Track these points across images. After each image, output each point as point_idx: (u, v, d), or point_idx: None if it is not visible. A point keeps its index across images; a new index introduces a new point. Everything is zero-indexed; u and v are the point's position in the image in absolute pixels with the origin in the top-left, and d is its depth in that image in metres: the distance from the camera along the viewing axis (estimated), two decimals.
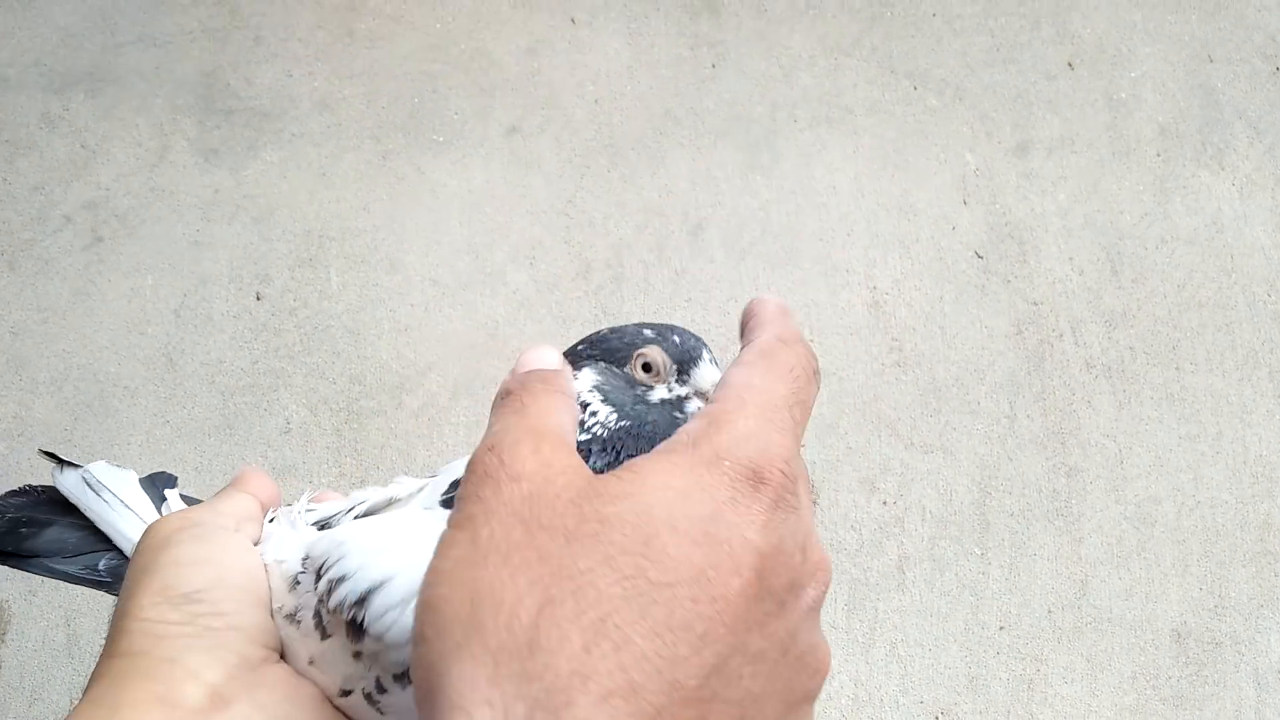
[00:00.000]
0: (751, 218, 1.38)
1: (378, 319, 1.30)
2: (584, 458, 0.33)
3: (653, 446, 0.28)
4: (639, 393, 0.39)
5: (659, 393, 0.39)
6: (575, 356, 0.40)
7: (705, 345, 0.41)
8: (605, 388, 0.39)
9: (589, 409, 0.37)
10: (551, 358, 0.31)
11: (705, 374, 0.39)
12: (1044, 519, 1.26)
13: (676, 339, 0.40)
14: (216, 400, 1.27)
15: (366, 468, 1.22)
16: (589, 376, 0.39)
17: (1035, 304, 1.35)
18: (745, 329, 0.32)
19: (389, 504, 0.39)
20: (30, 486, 0.46)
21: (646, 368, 0.39)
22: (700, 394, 0.39)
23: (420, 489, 0.39)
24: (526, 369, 0.30)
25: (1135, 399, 1.32)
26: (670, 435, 0.28)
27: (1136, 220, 1.41)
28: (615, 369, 0.39)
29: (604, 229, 1.36)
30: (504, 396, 0.29)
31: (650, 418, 0.38)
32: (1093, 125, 1.47)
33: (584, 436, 0.36)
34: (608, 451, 0.36)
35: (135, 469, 0.48)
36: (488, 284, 1.32)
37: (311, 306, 1.31)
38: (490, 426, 0.27)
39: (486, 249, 1.34)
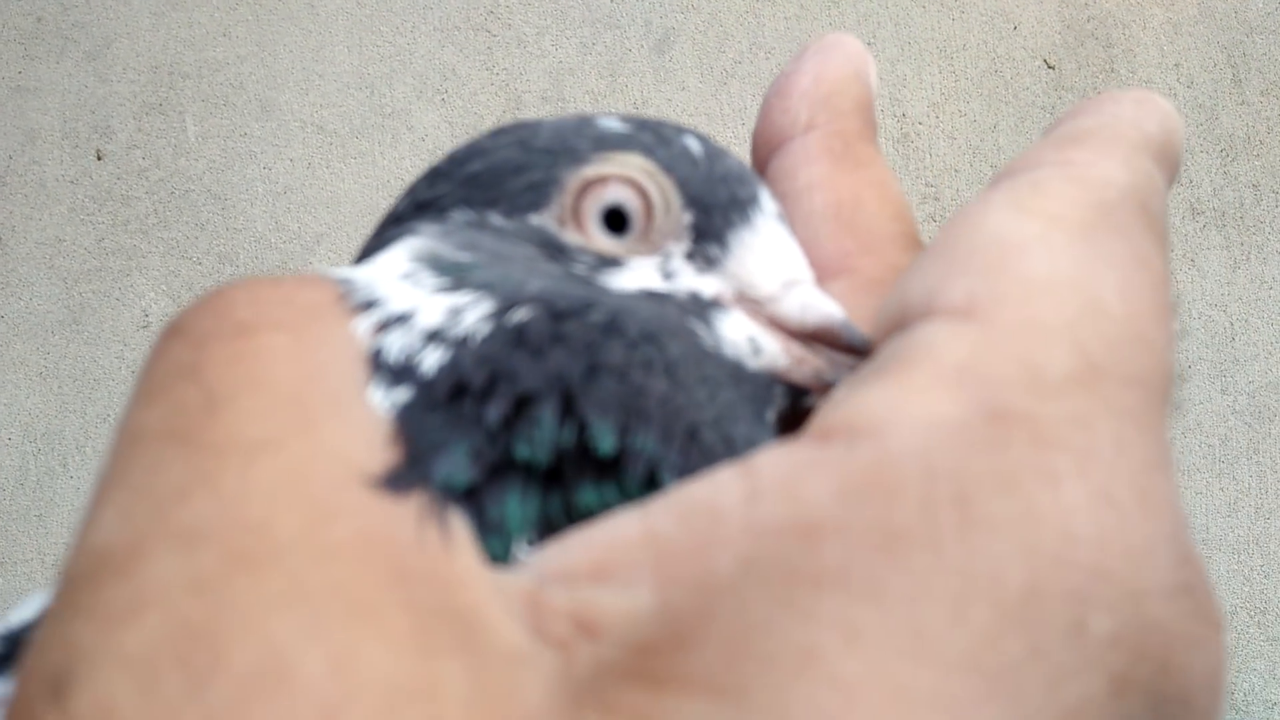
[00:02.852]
0: (737, 25, 1.28)
1: (249, 179, 1.25)
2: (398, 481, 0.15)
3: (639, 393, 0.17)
4: (575, 270, 0.20)
5: (635, 275, 0.20)
6: (396, 219, 0.22)
7: (755, 174, 0.22)
8: (446, 256, 0.20)
9: (392, 321, 0.18)
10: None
11: (768, 252, 0.21)
12: None
13: (692, 146, 0.21)
14: (58, 288, 1.21)
15: None
16: (408, 248, 0.20)
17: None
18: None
19: None
20: None
21: (613, 217, 0.21)
22: (752, 301, 0.21)
23: None
24: (210, 302, 0.17)
25: (1256, 255, 1.22)
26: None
27: (1274, 8, 1.28)
28: (503, 219, 0.21)
29: (537, 48, 1.28)
30: (150, 397, 0.16)
31: (607, 302, 0.19)
32: None
33: (381, 393, 0.17)
34: (458, 426, 0.17)
35: None
36: (387, 128, 1.25)
37: (165, 166, 1.25)
38: (98, 515, 0.15)
39: (384, 82, 1.27)
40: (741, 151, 0.27)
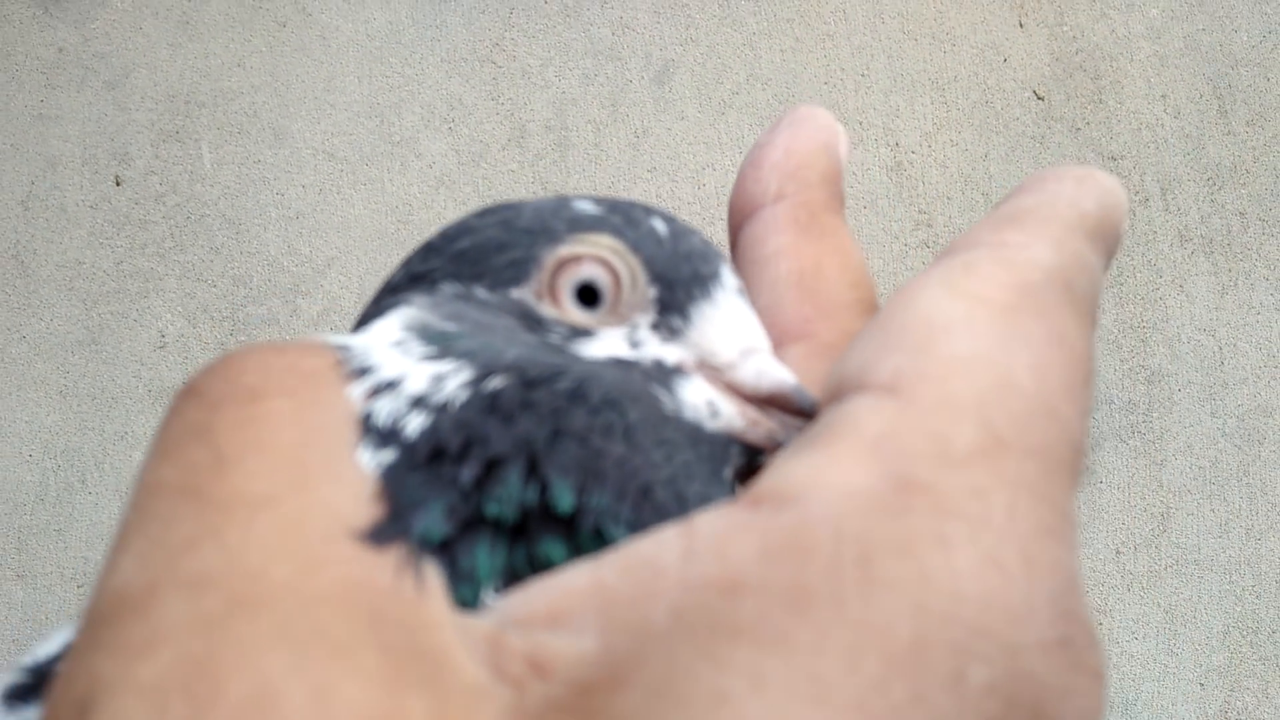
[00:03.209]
0: (734, 57, 1.29)
1: (262, 204, 1.26)
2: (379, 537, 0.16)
3: (601, 450, 0.18)
4: (550, 340, 0.22)
5: (605, 344, 0.22)
6: (391, 289, 0.23)
7: (719, 252, 0.24)
8: (435, 326, 0.21)
9: (382, 387, 0.19)
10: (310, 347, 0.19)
11: (726, 323, 0.22)
12: (1115, 437, 1.21)
13: (658, 227, 0.23)
14: (78, 310, 1.22)
15: None
16: (401, 317, 0.22)
17: (1114, 159, 1.29)
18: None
19: None
20: None
21: (585, 293, 0.22)
22: (711, 368, 0.22)
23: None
24: (222, 367, 0.18)
25: (1244, 280, 1.23)
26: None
27: (1256, 41, 1.29)
28: (487, 292, 0.22)
29: (541, 80, 1.29)
30: (165, 456, 0.17)
31: (575, 370, 0.20)
32: None
33: (369, 454, 0.18)
34: (436, 485, 0.18)
35: None
36: (396, 156, 1.26)
37: (181, 191, 1.26)
38: (116, 570, 0.16)
39: (393, 111, 1.28)
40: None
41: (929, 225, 1.25)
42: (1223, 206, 1.25)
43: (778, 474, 0.16)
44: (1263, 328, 1.23)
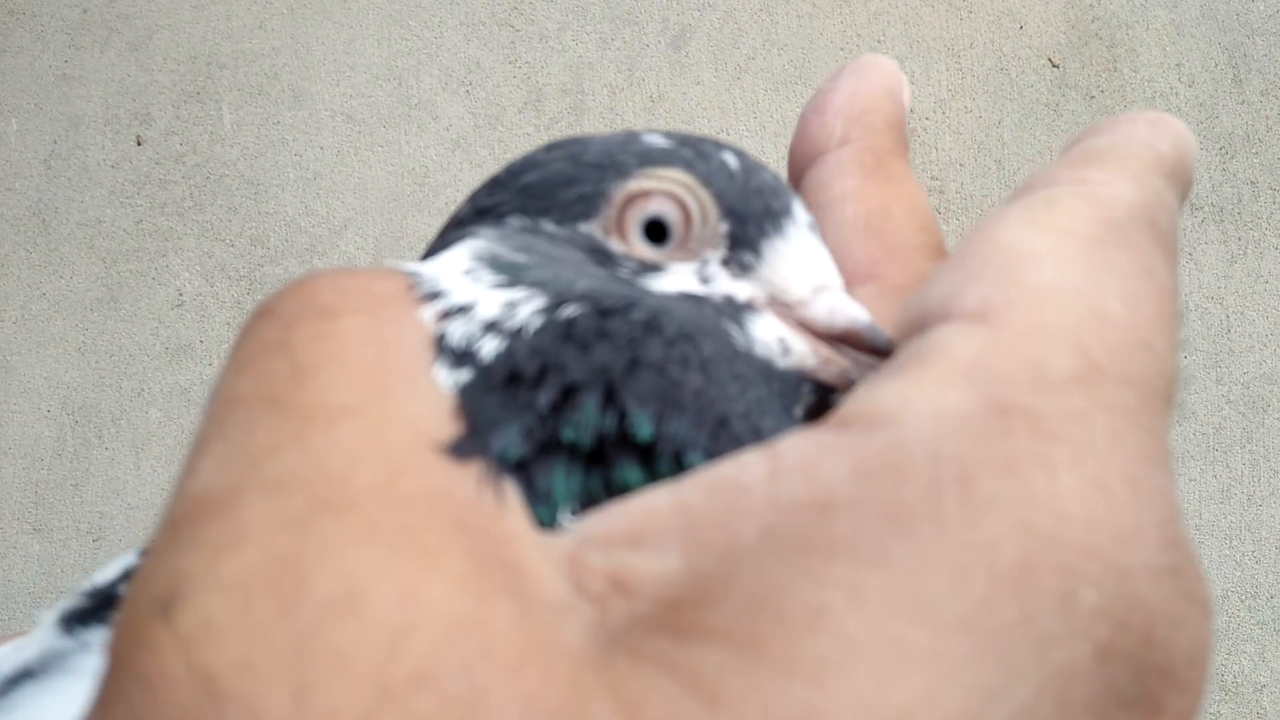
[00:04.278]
0: (751, 22, 1.27)
1: (280, 165, 1.25)
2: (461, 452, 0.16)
3: (680, 377, 0.18)
4: (620, 274, 0.21)
5: (675, 279, 0.21)
6: (458, 222, 0.23)
7: (790, 188, 0.23)
8: (504, 256, 0.21)
9: (455, 311, 0.19)
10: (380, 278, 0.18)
11: (799, 259, 0.22)
12: None
13: (730, 161, 0.22)
14: (98, 268, 1.22)
15: None
16: (469, 248, 0.21)
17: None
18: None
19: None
20: None
21: (654, 228, 0.22)
22: (783, 305, 0.21)
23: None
24: (295, 289, 0.17)
25: (1253, 249, 1.22)
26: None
27: (1274, 10, 1.27)
28: (555, 226, 0.22)
29: (558, 43, 1.27)
30: (240, 373, 0.16)
31: (648, 302, 0.20)
32: None
33: (445, 373, 0.18)
34: (512, 407, 0.18)
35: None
36: (413, 118, 1.25)
37: (201, 152, 1.25)
38: (196, 467, 0.15)
39: (411, 74, 1.27)
40: (752, 143, 0.29)
41: (941, 191, 1.23)
42: (1234, 175, 1.24)
43: (864, 398, 0.15)
44: (1271, 296, 1.21)
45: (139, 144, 1.24)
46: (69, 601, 0.23)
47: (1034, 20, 1.27)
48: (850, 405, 0.15)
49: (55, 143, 1.25)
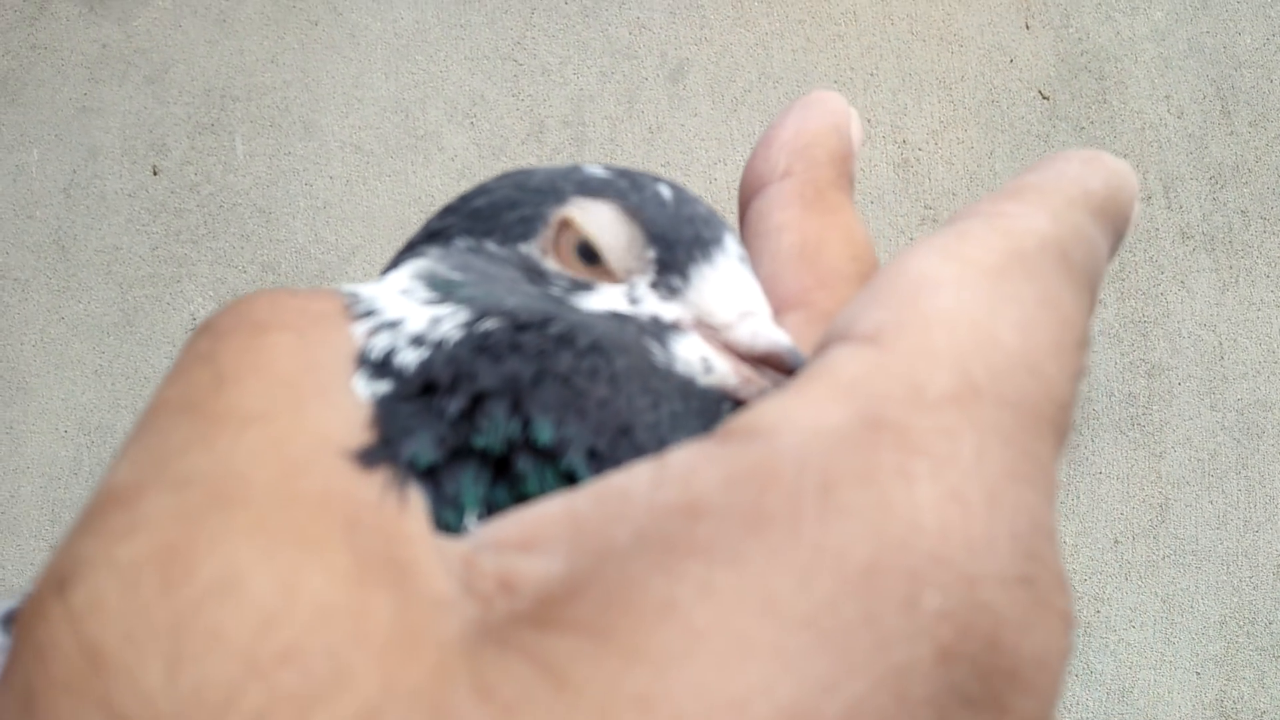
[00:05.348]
0: (747, 56, 1.30)
1: (291, 194, 1.27)
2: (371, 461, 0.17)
3: (586, 389, 0.18)
4: (552, 292, 0.22)
5: (604, 298, 0.22)
6: (410, 245, 0.24)
7: (724, 222, 0.24)
8: (441, 275, 0.22)
9: (383, 326, 0.20)
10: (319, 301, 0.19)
11: (725, 285, 0.23)
12: (1115, 429, 1.20)
13: (663, 192, 0.23)
14: (114, 293, 1.24)
15: None
16: (412, 268, 0.22)
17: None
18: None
19: None
20: None
21: (585, 252, 0.23)
22: (708, 327, 0.22)
23: None
24: (234, 306, 0.18)
25: (1245, 277, 1.23)
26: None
27: (1260, 44, 1.30)
28: (497, 246, 0.23)
29: (560, 77, 1.30)
30: (175, 381, 0.17)
31: (569, 318, 0.21)
32: None
33: (365, 384, 0.19)
34: (426, 415, 0.19)
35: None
36: (420, 149, 1.27)
37: (215, 181, 1.27)
38: (119, 467, 0.16)
39: (418, 106, 1.29)
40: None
41: (934, 221, 1.24)
42: (1224, 205, 1.25)
43: (751, 412, 0.16)
44: (1263, 324, 1.22)
45: (155, 174, 1.27)
46: (10, 603, 0.23)
47: (1024, 54, 1.29)
48: (738, 419, 0.16)
49: (74, 172, 1.27)
